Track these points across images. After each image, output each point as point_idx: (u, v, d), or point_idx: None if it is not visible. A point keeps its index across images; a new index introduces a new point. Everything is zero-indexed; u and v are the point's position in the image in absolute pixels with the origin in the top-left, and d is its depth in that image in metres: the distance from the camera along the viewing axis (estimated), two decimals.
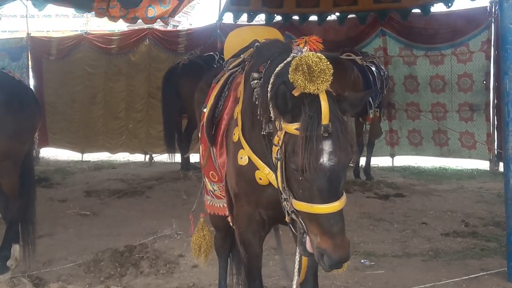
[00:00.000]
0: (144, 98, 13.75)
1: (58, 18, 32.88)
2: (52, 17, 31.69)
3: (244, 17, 12.99)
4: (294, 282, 3.60)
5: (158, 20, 11.65)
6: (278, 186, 3.18)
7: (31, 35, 15.00)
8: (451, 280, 5.58)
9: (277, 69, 3.25)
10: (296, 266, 3.57)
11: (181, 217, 7.63)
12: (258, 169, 3.44)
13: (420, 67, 12.30)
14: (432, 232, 7.44)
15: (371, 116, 10.44)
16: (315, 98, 2.96)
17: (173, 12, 12.14)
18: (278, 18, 12.92)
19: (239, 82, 3.82)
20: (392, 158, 12.96)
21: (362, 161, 11.08)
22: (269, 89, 3.23)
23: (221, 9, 13.06)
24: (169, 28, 15.93)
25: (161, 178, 11.32)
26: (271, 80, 3.24)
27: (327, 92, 3.00)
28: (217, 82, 4.25)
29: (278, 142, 3.11)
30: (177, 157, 11.97)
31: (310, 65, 2.95)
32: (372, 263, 6.26)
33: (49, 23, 30.57)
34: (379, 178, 10.81)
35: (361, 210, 8.34)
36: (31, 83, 14.36)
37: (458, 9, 11.72)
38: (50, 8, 14.93)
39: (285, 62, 3.24)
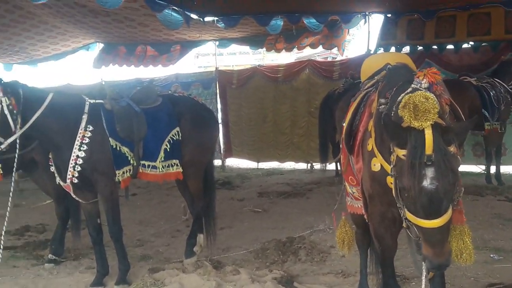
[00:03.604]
0: (305, 117, 13.73)
1: (241, 55, 33.98)
2: (236, 54, 32.79)
3: (392, 50, 12.69)
4: (423, 278, 3.40)
5: (315, 55, 11.89)
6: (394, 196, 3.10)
7: (219, 69, 15.54)
8: None
9: (399, 99, 3.09)
10: (425, 264, 3.29)
11: None
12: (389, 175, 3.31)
13: None
14: None
15: (487, 127, 9.79)
16: (421, 130, 2.84)
17: (329, 45, 12.34)
18: (420, 48, 12.45)
19: (373, 99, 3.72)
20: None
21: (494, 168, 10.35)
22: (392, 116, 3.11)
23: (369, 42, 12.84)
24: (329, 59, 15.92)
25: (319, 183, 11.28)
26: (394, 109, 3.12)
27: (434, 124, 2.85)
28: (354, 100, 4.16)
29: (393, 162, 3.03)
30: (331, 166, 11.89)
31: (416, 104, 2.85)
32: (500, 258, 5.83)
33: (233, 59, 31.69)
34: (510, 184, 10.02)
35: (492, 211, 7.76)
36: (219, 106, 14.85)
37: None
38: (234, 47, 15.43)
39: (405, 93, 3.08)
